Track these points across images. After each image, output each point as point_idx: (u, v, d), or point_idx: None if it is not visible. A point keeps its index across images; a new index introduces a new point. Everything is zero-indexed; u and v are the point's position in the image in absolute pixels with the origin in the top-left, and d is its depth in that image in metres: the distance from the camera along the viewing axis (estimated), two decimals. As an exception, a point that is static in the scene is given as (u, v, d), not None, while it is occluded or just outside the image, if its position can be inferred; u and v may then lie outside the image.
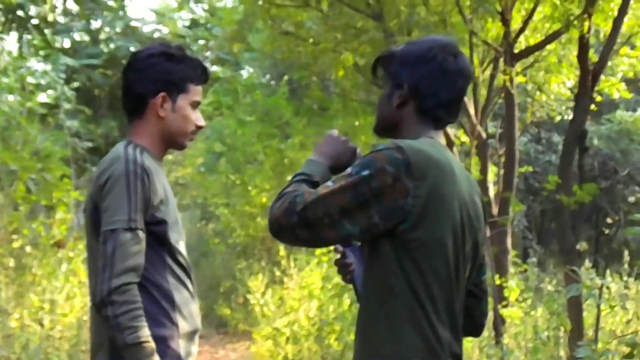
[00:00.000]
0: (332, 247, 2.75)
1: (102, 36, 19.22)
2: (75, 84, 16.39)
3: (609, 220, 17.24)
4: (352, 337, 8.07)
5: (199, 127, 3.02)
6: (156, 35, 19.59)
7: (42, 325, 7.67)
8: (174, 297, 2.82)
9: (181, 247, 2.92)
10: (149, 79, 2.94)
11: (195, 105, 3.01)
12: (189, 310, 2.87)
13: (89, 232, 2.87)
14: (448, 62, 2.54)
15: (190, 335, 2.88)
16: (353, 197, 2.32)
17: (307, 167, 2.56)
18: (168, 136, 2.98)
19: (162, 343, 2.76)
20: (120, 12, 18.90)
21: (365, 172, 2.32)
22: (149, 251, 2.78)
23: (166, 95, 2.95)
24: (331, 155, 2.61)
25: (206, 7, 20.96)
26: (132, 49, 18.48)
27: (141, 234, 2.74)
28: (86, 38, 19.26)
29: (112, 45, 18.81)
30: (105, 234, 2.72)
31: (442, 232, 2.38)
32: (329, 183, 2.37)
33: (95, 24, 19.19)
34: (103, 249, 2.72)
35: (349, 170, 2.37)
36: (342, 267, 2.73)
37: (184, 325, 2.83)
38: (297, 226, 2.34)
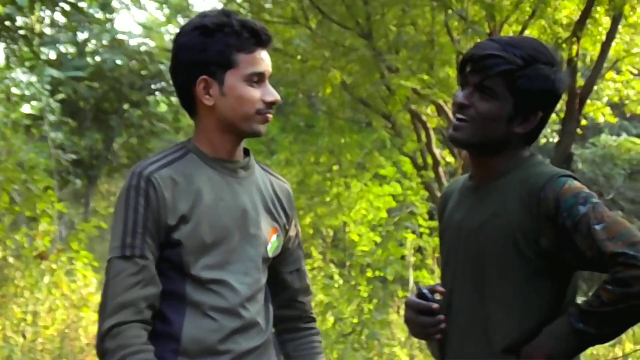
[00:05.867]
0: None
1: (88, 48, 19.19)
2: (60, 96, 16.32)
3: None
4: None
5: (269, 103, 2.35)
6: (143, 48, 19.59)
7: (24, 337, 7.62)
8: (181, 336, 2.29)
9: (229, 274, 2.34)
10: (184, 64, 2.34)
11: (253, 78, 2.32)
12: (217, 351, 2.30)
13: None
14: None
15: None
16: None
17: None
18: (228, 127, 2.35)
19: None
20: (107, 25, 18.88)
21: (594, 199, 2.12)
22: (164, 279, 2.29)
23: (207, 78, 2.31)
24: None
25: (194, 21, 21.00)
26: (118, 62, 18.48)
27: (141, 262, 2.24)
28: (72, 50, 19.23)
29: (98, 58, 18.79)
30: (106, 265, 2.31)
31: None
32: (598, 226, 2.07)
33: (82, 36, 19.16)
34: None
35: (587, 206, 2.09)
36: (429, 325, 2.28)
37: None
38: None
